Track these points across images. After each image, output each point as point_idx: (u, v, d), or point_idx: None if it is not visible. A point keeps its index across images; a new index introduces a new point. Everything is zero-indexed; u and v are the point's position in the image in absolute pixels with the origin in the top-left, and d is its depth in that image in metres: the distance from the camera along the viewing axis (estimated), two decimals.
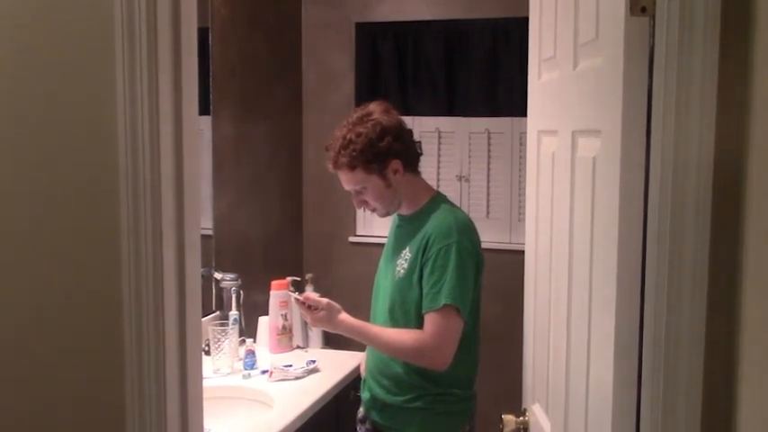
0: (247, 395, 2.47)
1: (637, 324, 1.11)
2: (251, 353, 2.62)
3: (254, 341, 2.76)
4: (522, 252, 1.88)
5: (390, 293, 2.12)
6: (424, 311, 2.02)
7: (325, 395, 2.44)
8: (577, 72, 1.38)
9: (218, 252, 2.85)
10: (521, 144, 3.32)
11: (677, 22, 1.03)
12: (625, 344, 1.13)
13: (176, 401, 1.41)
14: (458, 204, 2.30)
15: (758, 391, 0.97)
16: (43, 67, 1.40)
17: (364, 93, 3.41)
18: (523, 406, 1.86)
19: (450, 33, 3.36)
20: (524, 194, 1.90)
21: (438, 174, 3.45)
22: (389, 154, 2.07)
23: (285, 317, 2.82)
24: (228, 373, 2.57)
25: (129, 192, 1.35)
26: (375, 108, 2.13)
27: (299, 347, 2.90)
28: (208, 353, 2.56)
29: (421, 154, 2.20)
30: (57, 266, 1.42)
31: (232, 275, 2.78)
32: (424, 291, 2.02)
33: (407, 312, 2.07)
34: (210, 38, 2.78)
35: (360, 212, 3.47)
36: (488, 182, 3.43)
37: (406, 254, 2.09)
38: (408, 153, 2.13)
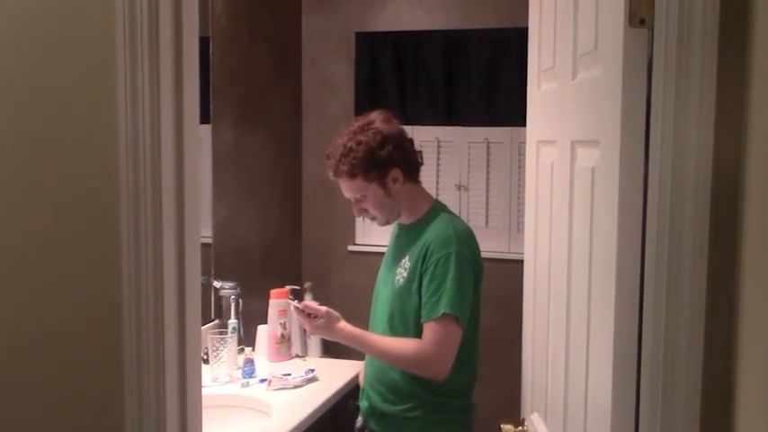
0: (246, 404, 2.46)
1: (635, 333, 1.11)
2: (250, 361, 2.62)
3: (253, 350, 2.76)
4: (522, 261, 1.89)
5: (389, 302, 2.12)
6: (423, 320, 2.02)
7: (324, 404, 2.44)
8: (576, 82, 1.39)
9: (218, 260, 2.85)
10: (520, 154, 3.32)
11: (676, 34, 1.04)
12: (624, 353, 1.13)
13: (175, 410, 1.41)
14: (457, 213, 2.30)
15: (757, 402, 0.97)
16: (45, 75, 1.40)
17: (364, 102, 3.42)
18: (522, 415, 1.86)
19: (449, 43, 3.37)
20: (523, 204, 1.90)
21: (437, 183, 3.45)
22: (389, 162, 2.08)
23: (284, 325, 2.82)
24: (227, 382, 2.56)
25: (129, 200, 1.35)
26: (376, 117, 2.14)
27: (297, 356, 2.89)
28: (206, 361, 2.56)
29: (421, 163, 2.21)
30: (57, 274, 1.42)
31: (231, 284, 2.78)
32: (423, 300, 2.02)
33: (406, 321, 2.07)
34: (211, 47, 2.78)
35: (359, 221, 3.48)
36: (487, 191, 3.43)
37: (406, 262, 2.10)
38: (408, 162, 2.14)
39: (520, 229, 3.32)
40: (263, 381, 2.56)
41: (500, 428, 1.75)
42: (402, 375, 2.09)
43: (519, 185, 3.35)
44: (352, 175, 2.08)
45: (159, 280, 1.36)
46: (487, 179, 3.43)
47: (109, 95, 1.35)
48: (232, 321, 2.71)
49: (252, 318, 2.89)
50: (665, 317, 1.07)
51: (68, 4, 1.38)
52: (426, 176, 3.26)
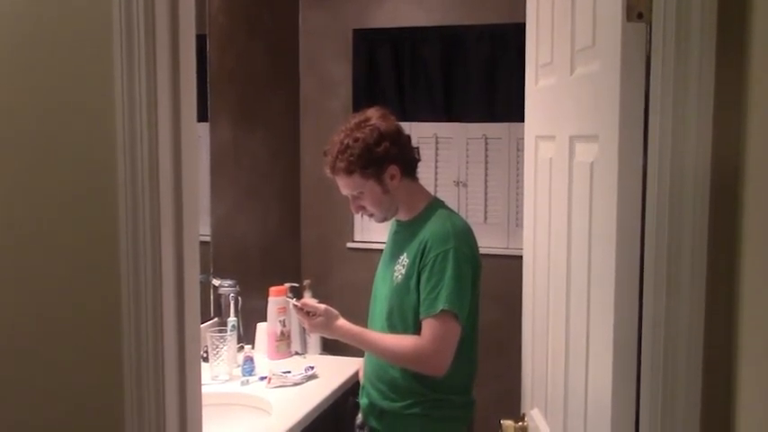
0: (246, 402, 2.46)
1: (635, 328, 1.11)
2: (249, 359, 2.62)
3: (253, 347, 2.76)
4: (521, 257, 1.88)
5: (388, 299, 2.12)
6: (421, 317, 2.02)
7: (324, 401, 2.44)
8: (574, 78, 1.38)
9: (217, 258, 2.85)
10: (518, 150, 3.32)
11: (674, 28, 1.03)
12: (623, 348, 1.13)
13: (175, 408, 1.40)
14: (456, 210, 2.30)
15: (757, 395, 0.97)
16: (42, 73, 1.40)
17: (362, 99, 3.41)
18: (522, 411, 1.86)
19: (447, 39, 3.37)
20: (522, 200, 1.90)
21: (436, 179, 3.45)
22: (386, 159, 2.08)
23: (283, 323, 2.82)
24: (227, 380, 2.57)
25: (127, 198, 1.35)
26: (373, 113, 2.13)
27: (297, 353, 2.90)
28: (206, 359, 2.56)
29: (419, 160, 2.20)
30: (55, 273, 1.42)
31: (230, 282, 2.77)
32: (422, 296, 2.02)
33: (405, 318, 2.07)
34: (208, 45, 2.78)
35: (358, 218, 3.48)
36: (486, 187, 3.43)
37: (404, 259, 2.09)
38: (405, 158, 2.14)
39: (519, 224, 3.32)
40: (262, 378, 2.56)
41: (500, 424, 1.75)
42: (402, 372, 2.09)
43: (518, 181, 3.35)
44: (349, 171, 2.07)
45: (158, 279, 1.36)
46: (486, 175, 3.43)
47: (106, 94, 1.35)
48: (231, 319, 2.71)
49: (251, 315, 2.89)
50: (664, 311, 1.06)
51: (67, 3, 1.37)
52: (425, 173, 3.27)
